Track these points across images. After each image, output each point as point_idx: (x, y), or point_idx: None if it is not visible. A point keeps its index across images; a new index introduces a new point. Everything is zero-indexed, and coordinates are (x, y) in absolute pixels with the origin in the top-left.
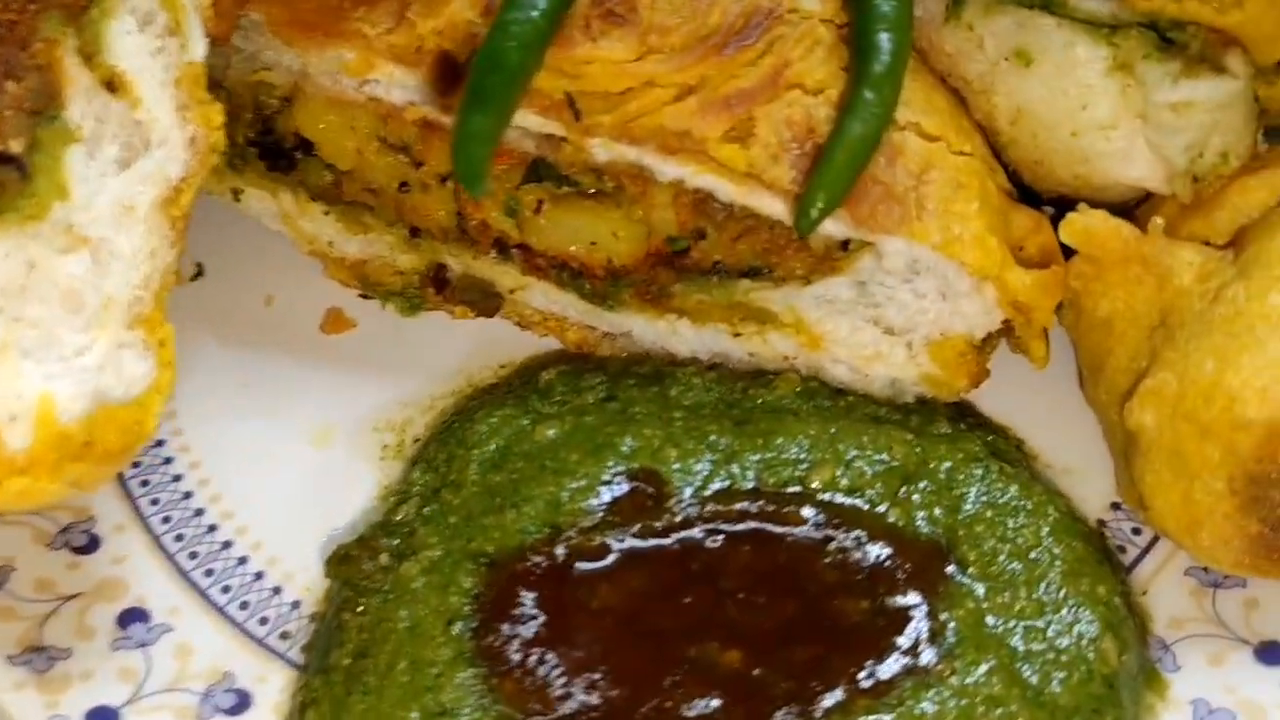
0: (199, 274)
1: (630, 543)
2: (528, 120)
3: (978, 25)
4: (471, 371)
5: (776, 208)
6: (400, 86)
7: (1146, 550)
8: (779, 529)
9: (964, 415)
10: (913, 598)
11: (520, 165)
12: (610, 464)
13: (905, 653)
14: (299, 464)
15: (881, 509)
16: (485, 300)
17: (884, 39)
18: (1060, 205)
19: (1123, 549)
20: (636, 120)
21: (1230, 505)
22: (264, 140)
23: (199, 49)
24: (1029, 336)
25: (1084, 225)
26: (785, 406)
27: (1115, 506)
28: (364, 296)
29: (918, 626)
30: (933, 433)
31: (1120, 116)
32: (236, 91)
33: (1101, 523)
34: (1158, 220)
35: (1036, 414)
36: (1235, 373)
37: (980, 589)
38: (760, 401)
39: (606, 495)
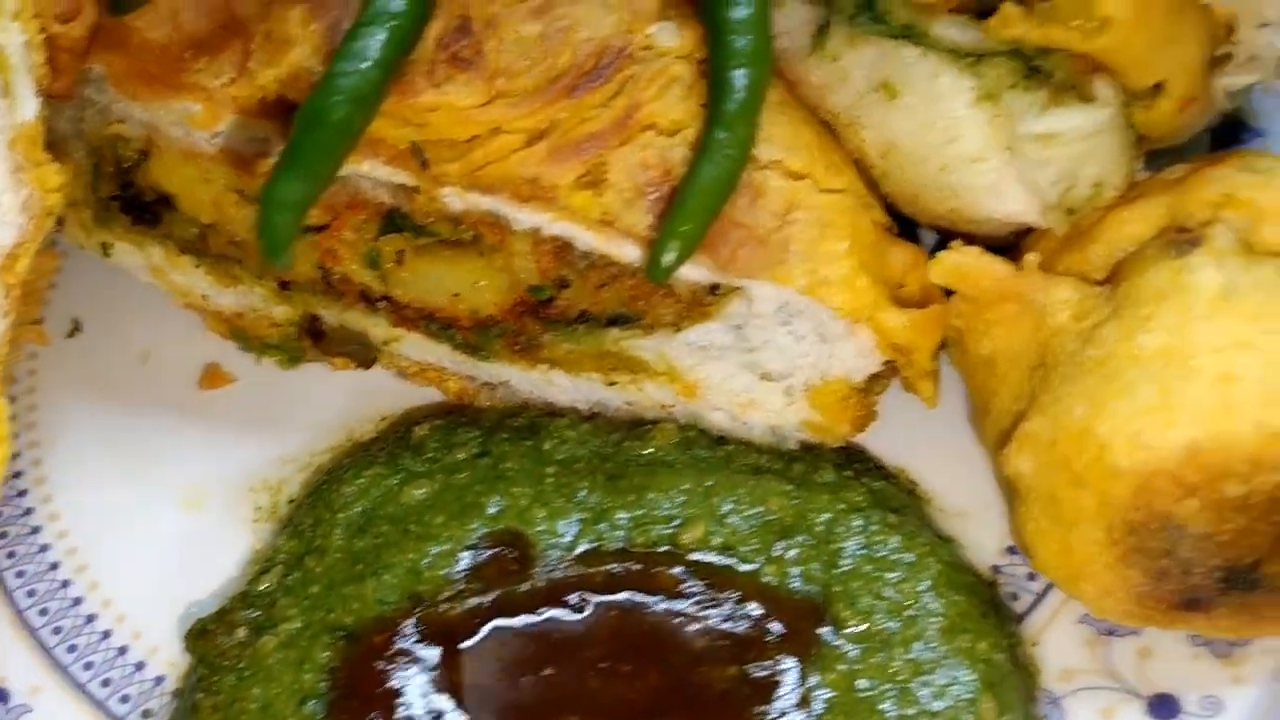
0: (76, 330)
1: (491, 613)
2: (377, 170)
3: (843, 57)
4: (352, 426)
5: (635, 255)
6: (247, 137)
7: (1041, 597)
8: (645, 593)
9: (853, 460)
10: (784, 662)
11: (376, 216)
12: (474, 526)
13: None
14: (168, 529)
15: (754, 567)
16: (362, 351)
17: (738, 75)
18: (950, 236)
19: (1016, 596)
20: (485, 168)
21: (1111, 555)
22: (126, 194)
23: (29, 109)
24: (914, 377)
25: (954, 264)
26: (661, 459)
27: (1012, 550)
28: (243, 350)
29: (786, 693)
30: (816, 481)
31: (989, 149)
32: (95, 145)
33: (996, 569)
34: (1031, 257)
35: (931, 455)
36: (1105, 419)
37: (854, 650)
38: (636, 454)
39: (469, 561)
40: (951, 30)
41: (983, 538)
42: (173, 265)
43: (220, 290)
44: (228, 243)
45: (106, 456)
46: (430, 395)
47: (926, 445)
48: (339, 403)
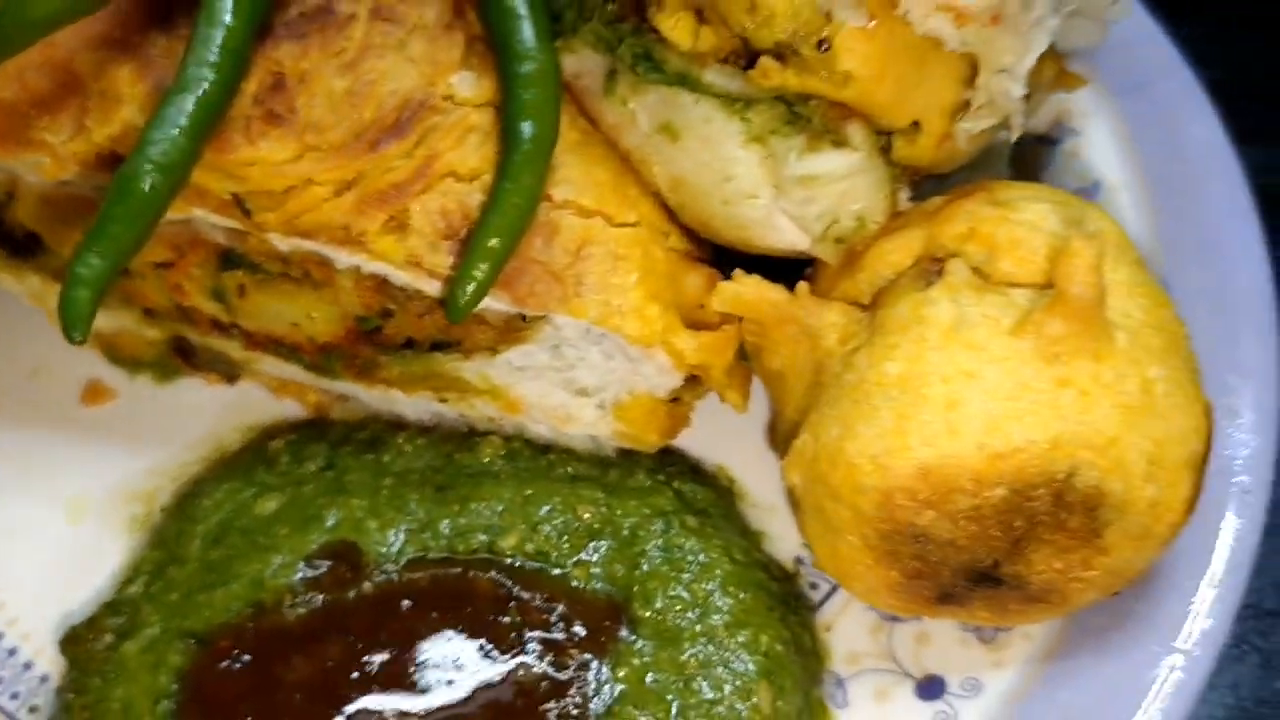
0: None
1: (324, 618)
2: (206, 217)
3: (630, 101)
4: (221, 436)
5: (439, 274)
6: (92, 185)
7: (835, 587)
8: (464, 597)
9: (669, 463)
10: (583, 658)
11: (215, 254)
12: (314, 538)
13: (570, 716)
14: (53, 537)
15: (564, 571)
16: (227, 368)
17: (525, 127)
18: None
19: (815, 585)
20: (301, 216)
21: (870, 558)
22: (2, 236)
23: None
24: (716, 389)
25: (734, 293)
26: (488, 469)
27: None
28: (119, 367)
29: (583, 688)
30: (628, 486)
31: (760, 186)
32: None
33: (799, 560)
34: (802, 285)
35: (744, 453)
36: (853, 440)
37: (648, 647)
38: (465, 466)
39: (307, 570)
40: (721, 78)
41: (789, 530)
42: (49, 292)
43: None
44: None
45: None
46: (294, 407)
47: (740, 443)
48: (210, 415)
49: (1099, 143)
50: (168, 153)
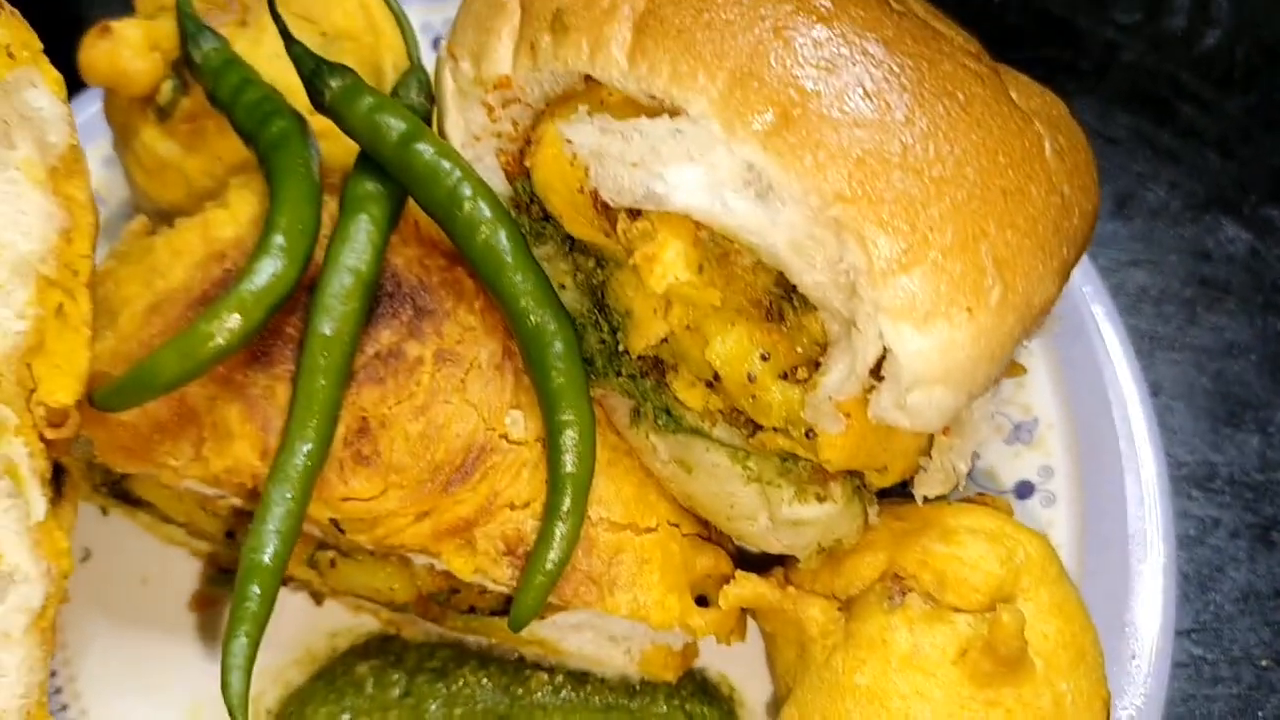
0: (87, 557)
1: None
2: (308, 529)
3: (651, 436)
4: (309, 642)
5: (502, 589)
6: (211, 489)
7: None
8: None
9: (681, 685)
10: None
11: (313, 542)
12: None
13: None
14: None
15: None
16: (317, 594)
17: (569, 475)
18: None
19: None
20: (386, 538)
21: None
22: (116, 492)
23: (40, 510)
24: (721, 641)
25: (736, 594)
26: (538, 701)
27: None
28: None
29: None
30: (652, 712)
31: (759, 512)
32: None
33: None
34: (792, 589)
35: (746, 664)
36: None
37: None
38: (519, 697)
39: None
40: (727, 434)
41: None
42: (156, 524)
43: (195, 543)
44: (200, 528)
45: (121, 672)
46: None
47: (740, 653)
48: (298, 624)
49: (1038, 382)
50: (283, 519)
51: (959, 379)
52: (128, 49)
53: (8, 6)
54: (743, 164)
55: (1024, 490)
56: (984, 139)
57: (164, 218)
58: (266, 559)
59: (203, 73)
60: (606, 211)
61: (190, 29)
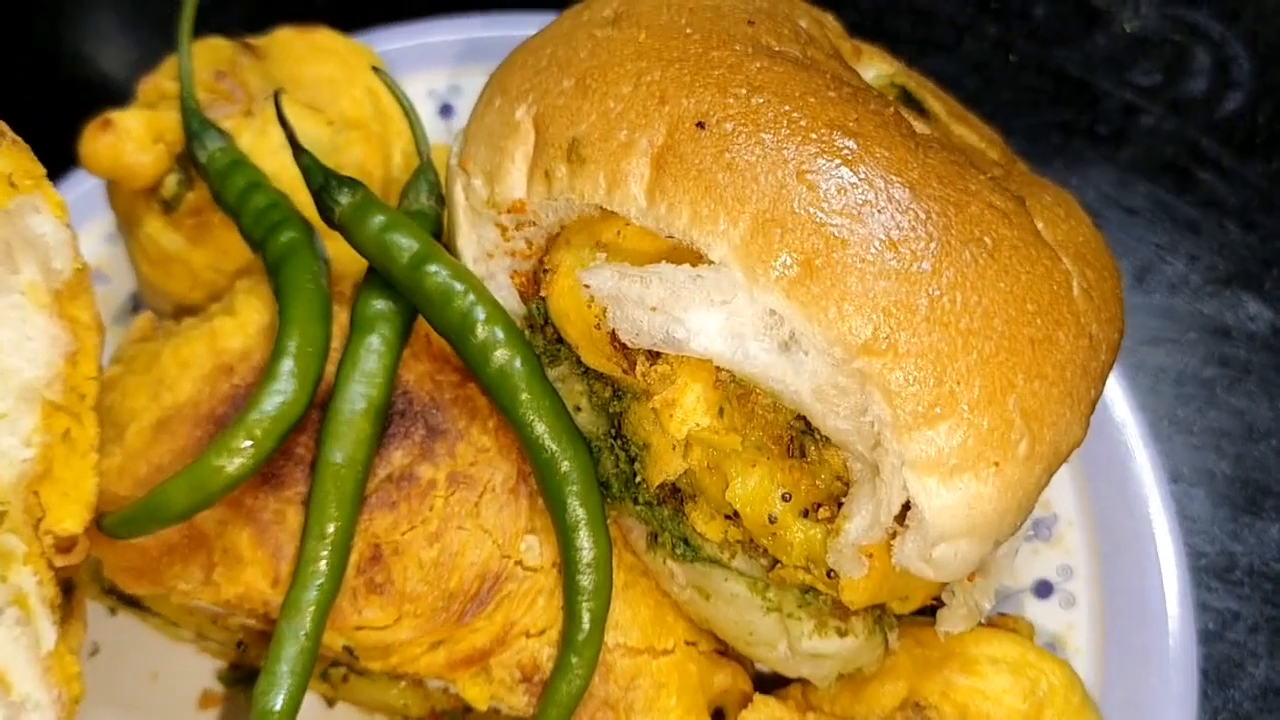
0: (95, 652)
1: None
2: (324, 652)
3: (668, 562)
4: None
5: (517, 713)
6: (221, 609)
7: None
8: None
9: None
10: None
11: (326, 658)
12: None
13: None
14: None
15: None
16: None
17: (585, 609)
18: None
19: None
20: (400, 665)
21: None
22: (125, 598)
23: (50, 639)
24: None
25: None
26: None
27: None
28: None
29: None
30: None
31: (778, 639)
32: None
33: None
34: (811, 715)
35: None
36: None
37: None
38: None
39: None
40: (746, 565)
41: None
42: (164, 626)
43: (201, 647)
44: (211, 636)
45: None
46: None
47: None
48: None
49: (1058, 478)
50: (296, 658)
51: (985, 531)
52: (130, 142)
53: (10, 135)
54: (765, 311)
55: (1043, 590)
56: (1012, 286)
57: (168, 301)
58: (278, 705)
59: (208, 174)
60: (625, 350)
61: (195, 127)
